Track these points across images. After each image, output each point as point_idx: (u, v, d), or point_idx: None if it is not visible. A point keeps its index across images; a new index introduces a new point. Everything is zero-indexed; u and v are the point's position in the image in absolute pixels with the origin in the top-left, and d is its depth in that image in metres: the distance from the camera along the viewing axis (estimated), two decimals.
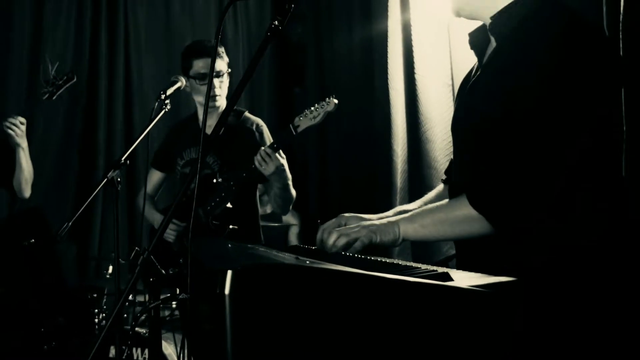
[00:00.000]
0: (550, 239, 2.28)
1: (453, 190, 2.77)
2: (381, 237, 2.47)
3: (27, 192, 5.58)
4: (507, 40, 2.48)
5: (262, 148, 4.41)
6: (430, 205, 2.55)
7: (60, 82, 5.31)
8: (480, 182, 2.33)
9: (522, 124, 2.24)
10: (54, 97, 5.34)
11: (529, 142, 2.22)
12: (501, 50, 2.50)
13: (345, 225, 2.64)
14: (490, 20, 2.55)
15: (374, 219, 2.73)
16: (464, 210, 2.32)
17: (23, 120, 5.25)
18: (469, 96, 2.65)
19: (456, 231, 2.39)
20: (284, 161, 4.43)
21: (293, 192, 4.79)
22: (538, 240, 2.28)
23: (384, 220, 2.56)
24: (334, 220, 2.72)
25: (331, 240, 2.50)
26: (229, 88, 5.02)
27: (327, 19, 6.97)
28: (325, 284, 1.68)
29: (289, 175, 4.59)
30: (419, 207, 2.88)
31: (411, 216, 2.50)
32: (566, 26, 2.32)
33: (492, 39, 2.62)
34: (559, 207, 2.22)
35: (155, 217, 5.23)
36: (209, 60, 4.86)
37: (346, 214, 2.75)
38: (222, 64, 4.91)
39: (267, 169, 4.41)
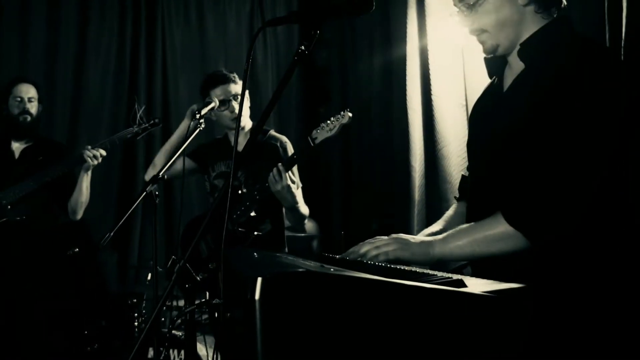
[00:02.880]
0: (570, 248, 2.27)
1: (472, 206, 2.75)
2: (412, 254, 2.47)
3: (79, 214, 5.71)
4: (536, 64, 2.51)
5: (277, 165, 4.43)
6: (463, 226, 2.50)
7: (147, 125, 5.40)
8: (515, 199, 2.31)
9: (554, 140, 2.24)
10: (138, 138, 5.44)
11: (561, 157, 2.23)
12: (531, 73, 2.52)
13: None
14: (519, 47, 2.57)
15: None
16: (500, 228, 2.30)
17: (104, 153, 5.37)
18: (495, 115, 2.65)
19: (492, 249, 2.34)
20: (291, 184, 4.42)
21: (304, 211, 4.77)
22: (558, 249, 2.27)
23: (418, 239, 2.55)
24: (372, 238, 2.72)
25: (363, 250, 2.52)
26: (257, 107, 5.04)
27: (350, 44, 6.99)
28: (349, 290, 1.69)
29: (297, 199, 4.58)
30: (442, 227, 2.87)
31: (445, 237, 2.47)
32: (592, 52, 2.36)
33: (511, 63, 2.66)
34: (590, 219, 2.22)
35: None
36: (224, 86, 4.93)
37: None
38: (238, 88, 4.94)
39: (275, 187, 4.42)
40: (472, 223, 2.46)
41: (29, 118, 5.57)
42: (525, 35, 2.56)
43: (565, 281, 2.26)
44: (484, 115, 2.80)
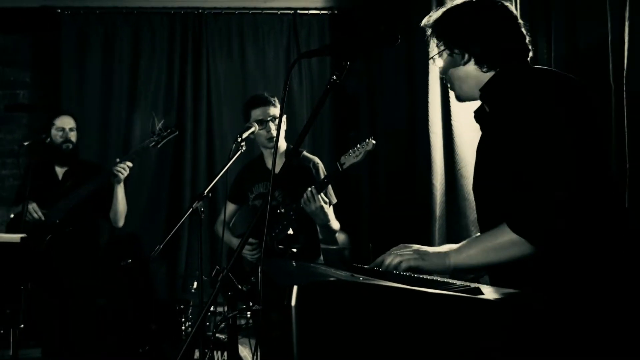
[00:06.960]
0: (575, 254, 2.26)
1: (482, 228, 2.75)
2: (429, 263, 2.48)
3: (121, 222, 5.84)
4: (499, 104, 2.55)
5: (309, 189, 4.47)
6: (474, 237, 2.54)
7: (165, 133, 5.54)
8: (516, 209, 2.31)
9: (536, 159, 2.26)
10: (159, 146, 5.54)
11: (548, 172, 2.23)
12: (496, 113, 2.57)
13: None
14: (479, 94, 2.62)
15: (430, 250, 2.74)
16: (506, 236, 2.30)
17: (130, 164, 5.51)
18: (483, 151, 2.69)
19: (501, 257, 2.34)
20: (324, 204, 4.47)
21: (335, 226, 4.80)
22: (565, 255, 2.27)
23: (435, 249, 2.57)
24: (396, 247, 2.74)
25: (387, 260, 2.54)
26: (293, 131, 5.06)
27: (377, 74, 6.98)
28: (376, 297, 1.70)
29: (329, 218, 4.60)
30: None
31: (459, 248, 2.49)
32: (546, 81, 2.40)
33: (486, 107, 2.70)
34: (586, 225, 2.22)
35: (232, 241, 5.31)
36: (264, 108, 5.00)
37: (408, 245, 2.76)
38: (276, 111, 4.99)
39: (309, 208, 4.47)
40: (482, 234, 2.48)
41: (71, 146, 5.81)
42: (484, 82, 2.61)
43: (573, 285, 2.26)
44: (477, 153, 2.82)
